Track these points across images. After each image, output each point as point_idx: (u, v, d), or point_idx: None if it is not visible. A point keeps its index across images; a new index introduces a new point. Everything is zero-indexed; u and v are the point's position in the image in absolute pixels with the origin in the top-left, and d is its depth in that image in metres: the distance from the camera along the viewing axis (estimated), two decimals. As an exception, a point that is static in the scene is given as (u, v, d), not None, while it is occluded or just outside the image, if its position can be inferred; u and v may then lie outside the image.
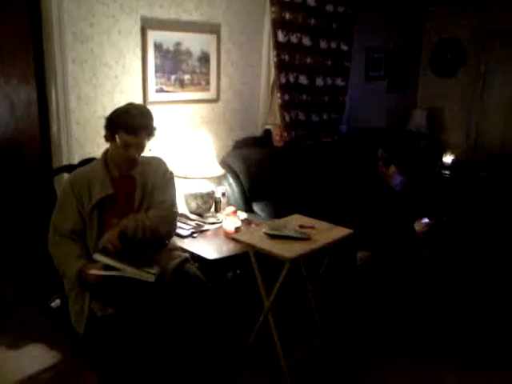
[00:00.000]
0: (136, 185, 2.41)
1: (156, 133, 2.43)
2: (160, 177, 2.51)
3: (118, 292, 2.15)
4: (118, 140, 2.30)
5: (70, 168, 2.66)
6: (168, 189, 2.56)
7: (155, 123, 2.41)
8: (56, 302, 2.44)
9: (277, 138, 4.23)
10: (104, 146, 2.48)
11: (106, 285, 2.14)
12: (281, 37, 4.00)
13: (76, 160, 2.94)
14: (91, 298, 2.19)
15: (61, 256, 2.25)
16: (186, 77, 3.55)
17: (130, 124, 2.27)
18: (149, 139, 2.40)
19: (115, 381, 2.13)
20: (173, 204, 2.55)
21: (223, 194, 3.55)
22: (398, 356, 2.94)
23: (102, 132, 2.38)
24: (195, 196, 3.36)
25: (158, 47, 3.34)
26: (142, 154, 2.43)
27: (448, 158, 5.48)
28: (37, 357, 2.45)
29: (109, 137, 2.36)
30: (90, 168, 2.44)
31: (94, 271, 2.10)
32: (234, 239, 2.76)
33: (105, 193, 2.32)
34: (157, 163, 2.56)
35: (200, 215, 3.36)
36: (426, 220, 3.26)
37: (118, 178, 2.39)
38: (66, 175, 2.90)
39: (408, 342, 3.05)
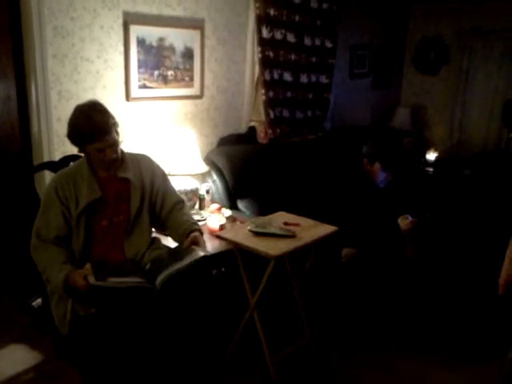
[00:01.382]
0: (131, 188, 2.31)
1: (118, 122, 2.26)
2: (159, 177, 2.44)
3: (109, 298, 2.04)
4: (89, 151, 2.18)
5: (51, 165, 2.62)
6: (171, 186, 2.52)
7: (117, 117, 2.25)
8: (37, 302, 2.38)
9: (261, 135, 4.21)
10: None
11: (96, 292, 2.01)
12: (265, 33, 3.98)
13: (57, 157, 2.89)
14: (74, 302, 2.12)
15: (44, 262, 2.12)
16: (170, 73, 3.51)
17: (93, 132, 2.11)
18: (118, 133, 2.23)
19: (99, 381, 2.09)
20: (181, 199, 2.55)
21: (207, 191, 3.52)
22: (383, 353, 2.95)
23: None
24: (179, 193, 3.32)
25: (140, 42, 3.30)
26: (127, 151, 2.36)
27: (432, 155, 5.51)
28: (18, 357, 2.41)
29: (80, 150, 2.23)
30: (74, 169, 2.29)
31: (92, 280, 1.96)
32: (218, 237, 2.74)
33: (92, 197, 2.20)
34: (147, 161, 2.46)
35: (184, 213, 3.32)
36: (409, 217, 3.27)
37: (105, 178, 2.27)
38: (46, 172, 2.85)
39: (393, 338, 3.06)
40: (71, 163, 2.61)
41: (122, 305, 2.03)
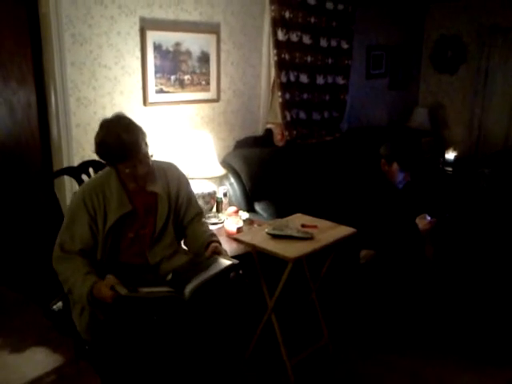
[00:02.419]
0: (158, 201, 2.28)
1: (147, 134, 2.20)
2: (184, 186, 2.42)
3: (140, 308, 2.03)
4: (120, 168, 2.13)
5: (70, 170, 2.65)
6: (194, 196, 2.52)
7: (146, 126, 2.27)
8: (58, 305, 2.41)
9: (278, 138, 4.21)
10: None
11: (126, 303, 1.98)
12: (281, 35, 3.99)
13: (76, 162, 2.93)
14: (100, 312, 2.10)
15: (67, 272, 2.08)
16: (186, 77, 3.54)
17: (124, 152, 2.05)
18: (147, 144, 2.16)
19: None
20: (201, 210, 2.56)
21: (225, 194, 3.53)
22: (403, 354, 2.92)
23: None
24: (197, 196, 3.34)
25: (157, 48, 3.33)
26: (154, 159, 2.29)
27: (450, 155, 5.46)
28: (40, 360, 2.43)
29: (110, 165, 2.19)
30: (103, 180, 2.23)
31: (124, 292, 1.92)
32: (236, 239, 2.75)
33: (123, 210, 2.16)
34: (174, 170, 2.43)
35: (202, 216, 3.34)
36: (427, 217, 3.24)
37: (134, 191, 2.22)
38: (66, 178, 2.89)
39: (412, 340, 3.03)
40: (91, 170, 2.65)
41: (150, 315, 2.02)
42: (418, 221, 3.21)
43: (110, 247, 2.20)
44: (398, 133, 5.33)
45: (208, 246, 2.31)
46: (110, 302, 1.95)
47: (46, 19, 2.87)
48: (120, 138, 2.04)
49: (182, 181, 2.43)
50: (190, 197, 2.47)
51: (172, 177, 2.38)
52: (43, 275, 2.88)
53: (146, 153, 2.16)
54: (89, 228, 2.14)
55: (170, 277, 2.19)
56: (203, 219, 2.54)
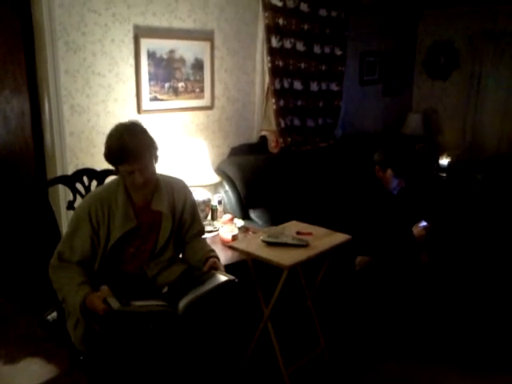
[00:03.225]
0: (162, 219, 2.27)
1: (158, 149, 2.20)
2: (189, 204, 2.40)
3: (132, 321, 1.99)
4: (121, 171, 2.14)
5: (64, 179, 2.64)
6: (198, 214, 2.51)
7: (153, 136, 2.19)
8: (52, 315, 2.39)
9: (272, 145, 4.21)
10: (98, 155, 2.45)
11: (118, 316, 1.96)
12: (274, 42, 3.99)
13: (70, 171, 2.91)
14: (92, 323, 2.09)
15: (61, 281, 2.07)
16: (180, 84, 3.54)
17: (121, 154, 2.05)
18: (153, 158, 2.17)
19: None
20: (203, 228, 2.55)
21: (219, 202, 3.52)
22: (399, 361, 2.91)
23: (96, 142, 2.31)
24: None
25: (151, 55, 3.33)
26: (162, 174, 2.31)
27: (444, 161, 5.48)
28: (34, 371, 2.41)
29: (115, 171, 2.21)
30: (109, 192, 2.21)
31: (116, 306, 1.91)
32: (231, 247, 2.73)
33: (128, 226, 2.15)
34: (181, 187, 2.41)
35: (197, 223, 3.33)
36: (423, 223, 3.25)
37: (140, 207, 2.22)
38: (60, 186, 2.88)
39: (409, 347, 3.03)
40: (85, 178, 2.63)
41: (143, 328, 1.98)
42: (413, 227, 3.21)
43: (109, 260, 2.19)
44: (392, 139, 5.35)
45: (206, 261, 2.30)
46: (101, 315, 1.93)
47: (39, 27, 2.86)
48: (122, 139, 2.05)
49: (188, 199, 2.41)
50: (194, 215, 2.46)
51: (179, 193, 2.36)
52: (38, 285, 2.86)
53: (149, 165, 2.13)
54: (90, 241, 2.13)
55: (165, 289, 2.18)
56: (203, 238, 2.54)
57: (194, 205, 2.46)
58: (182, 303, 2.02)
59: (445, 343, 3.03)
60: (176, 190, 2.36)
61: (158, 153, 2.20)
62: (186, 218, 2.39)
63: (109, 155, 2.12)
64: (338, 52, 4.66)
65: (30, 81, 2.99)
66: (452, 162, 5.50)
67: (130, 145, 2.05)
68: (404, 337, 3.08)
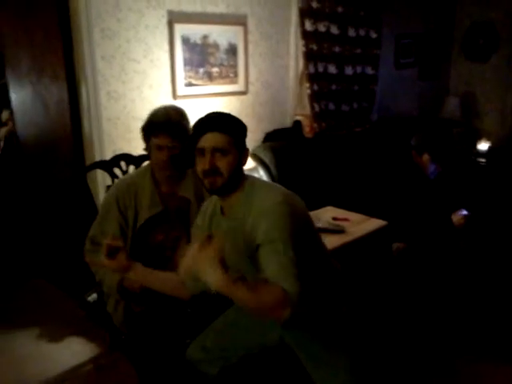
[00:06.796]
0: (191, 209, 2.21)
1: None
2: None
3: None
4: (152, 145, 2.12)
5: (102, 164, 2.68)
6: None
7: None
8: (93, 297, 2.44)
9: (307, 129, 4.18)
10: (135, 141, 2.47)
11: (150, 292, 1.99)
12: (308, 26, 3.94)
13: (108, 156, 2.96)
14: (128, 302, 2.14)
15: (97, 264, 2.10)
16: (215, 69, 3.53)
17: (161, 123, 2.08)
18: (185, 138, 2.06)
19: (155, 376, 2.12)
20: None
21: (254, 187, 3.51)
22: (440, 351, 2.86)
23: (132, 128, 2.33)
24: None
25: (185, 41, 3.33)
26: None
27: (484, 145, 5.33)
28: (77, 350, 2.47)
29: (146, 148, 2.20)
30: (137, 178, 2.23)
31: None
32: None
33: (154, 211, 2.16)
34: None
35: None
36: (464, 212, 3.17)
37: (167, 193, 2.21)
38: (99, 171, 2.92)
39: (446, 335, 2.97)
40: (122, 163, 2.67)
41: (177, 304, 2.03)
42: (453, 215, 3.14)
43: (139, 245, 2.20)
44: (429, 123, 5.23)
45: None
46: (137, 292, 2.00)
47: (76, 14, 2.89)
48: (168, 111, 2.14)
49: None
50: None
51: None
52: (78, 268, 2.93)
53: (176, 145, 2.10)
54: (118, 226, 2.16)
55: None
56: None
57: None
58: None
59: (481, 332, 2.96)
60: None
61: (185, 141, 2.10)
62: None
63: (150, 125, 2.13)
64: (373, 35, 4.57)
65: (68, 68, 3.04)
66: (492, 146, 5.34)
67: (173, 118, 2.11)
68: (441, 325, 3.02)
